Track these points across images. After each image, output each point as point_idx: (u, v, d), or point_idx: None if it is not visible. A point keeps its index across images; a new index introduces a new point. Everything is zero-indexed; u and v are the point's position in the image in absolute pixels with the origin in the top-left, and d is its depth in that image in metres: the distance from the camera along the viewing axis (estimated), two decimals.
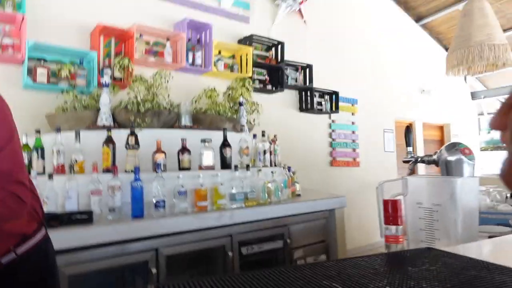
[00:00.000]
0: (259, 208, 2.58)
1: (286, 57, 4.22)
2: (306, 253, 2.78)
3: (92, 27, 3.02)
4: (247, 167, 2.75)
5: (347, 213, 4.14)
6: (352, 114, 5.23)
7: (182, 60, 3.36)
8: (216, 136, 2.79)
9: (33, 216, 1.16)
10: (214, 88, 3.29)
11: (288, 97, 4.46)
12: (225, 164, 2.77)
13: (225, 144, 2.81)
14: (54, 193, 2.00)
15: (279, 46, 4.22)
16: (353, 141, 5.18)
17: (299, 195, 3.17)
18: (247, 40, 3.97)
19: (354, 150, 5.17)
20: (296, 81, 4.45)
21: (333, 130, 4.92)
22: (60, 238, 1.58)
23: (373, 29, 5.65)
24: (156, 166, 2.36)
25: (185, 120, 2.97)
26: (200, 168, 2.64)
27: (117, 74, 3.00)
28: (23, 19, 2.60)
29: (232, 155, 2.81)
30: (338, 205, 3.07)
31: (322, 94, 4.76)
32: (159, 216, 2.16)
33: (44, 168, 2.23)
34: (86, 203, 2.07)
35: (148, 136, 2.54)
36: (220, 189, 2.50)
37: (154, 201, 2.20)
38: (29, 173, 2.07)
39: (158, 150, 2.50)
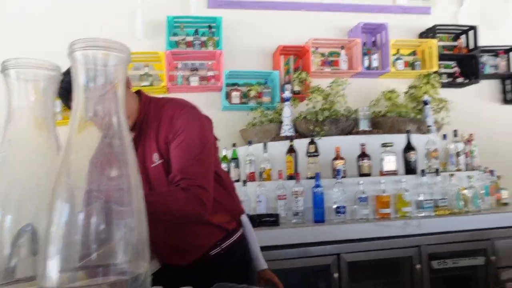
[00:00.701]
0: (453, 218, 2.29)
1: (480, 43, 3.62)
2: None
3: (274, 49, 3.36)
4: (437, 171, 2.49)
5: None
6: None
7: (357, 65, 3.33)
8: (399, 140, 2.63)
9: (234, 216, 1.37)
10: (394, 89, 3.13)
11: (486, 88, 3.79)
12: (409, 169, 2.58)
13: (408, 147, 2.62)
14: (248, 197, 2.31)
15: (471, 32, 3.65)
16: None
17: (506, 203, 2.64)
18: (430, 32, 3.60)
19: None
20: (496, 68, 3.74)
21: None
22: None
23: None
24: (336, 172, 2.42)
25: (364, 125, 2.92)
26: (382, 173, 2.55)
27: (296, 88, 3.23)
28: (220, 54, 3.13)
29: (418, 159, 2.59)
30: None
31: None
32: (339, 221, 2.19)
33: (239, 175, 2.61)
34: (273, 207, 2.30)
35: (327, 144, 2.62)
36: (404, 196, 2.35)
37: (335, 207, 2.25)
38: None
39: (337, 156, 2.55)
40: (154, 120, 1.21)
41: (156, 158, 1.20)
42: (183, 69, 3.20)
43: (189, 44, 3.16)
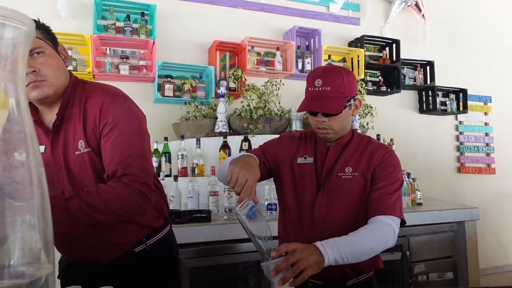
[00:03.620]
0: None
1: (402, 56, 3.93)
2: (428, 268, 2.50)
3: (209, 44, 3.29)
4: None
5: (480, 227, 3.61)
6: (485, 113, 4.57)
7: (292, 67, 3.41)
8: None
9: (161, 213, 1.29)
10: None
11: (406, 98, 4.13)
12: None
13: None
14: (178, 193, 2.22)
15: (394, 45, 3.95)
16: (487, 144, 4.51)
17: (420, 203, 2.89)
18: (358, 42, 3.82)
19: (488, 155, 4.50)
20: (414, 80, 4.09)
21: (460, 133, 4.37)
22: (183, 233, 1.73)
23: (506, 13, 4.85)
24: None
25: (296, 126, 2.99)
26: None
27: (232, 84, 3.20)
28: (153, 43, 2.97)
29: None
30: (469, 217, 2.69)
31: (447, 93, 4.27)
32: (271, 218, 2.19)
33: (170, 170, 2.50)
34: (205, 203, 2.24)
35: (260, 142, 2.57)
36: None
37: (266, 204, 2.26)
38: (159, 175, 2.34)
39: None
40: (80, 104, 1.11)
41: (81, 146, 1.09)
42: (112, 56, 2.99)
43: (119, 30, 2.97)
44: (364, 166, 1.27)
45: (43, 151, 1.11)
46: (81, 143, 1.09)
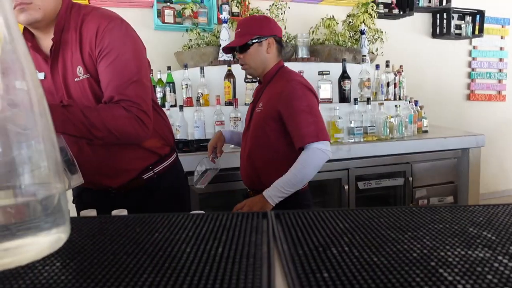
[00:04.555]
0: (379, 144, 2.44)
1: None
2: (429, 193, 2.58)
3: None
4: (368, 100, 2.59)
5: (485, 154, 3.65)
6: (502, 37, 4.36)
7: None
8: (335, 68, 2.66)
9: (166, 141, 1.31)
10: (333, 17, 3.09)
11: (419, 21, 3.92)
12: (344, 97, 2.65)
13: (344, 76, 2.66)
14: (185, 123, 2.23)
15: None
16: (500, 70, 4.37)
17: (426, 131, 2.89)
18: None
19: (500, 81, 4.38)
20: (429, 1, 3.85)
21: (473, 58, 4.21)
22: (191, 162, 1.77)
23: None
24: None
25: (302, 53, 2.89)
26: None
27: (235, 9, 3.04)
28: None
29: (352, 88, 2.66)
30: (474, 144, 2.70)
31: (463, 15, 4.04)
32: None
33: (175, 100, 2.48)
34: (211, 132, 2.26)
35: None
36: (337, 123, 2.43)
37: None
38: (164, 106, 2.34)
39: None
40: (76, 29, 1.07)
41: (80, 72, 1.07)
42: None
43: None
44: (273, 101, 1.44)
45: (43, 78, 1.10)
46: (79, 69, 1.07)
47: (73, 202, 1.34)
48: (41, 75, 1.10)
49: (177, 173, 1.37)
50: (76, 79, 1.08)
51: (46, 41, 1.09)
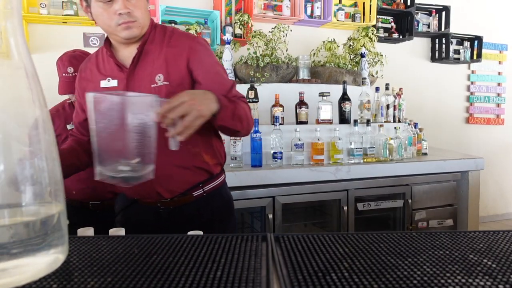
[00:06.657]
0: (379, 165, 2.45)
1: (417, 0, 3.74)
2: (429, 215, 2.57)
3: None
4: (368, 122, 2.61)
5: (484, 177, 3.65)
6: (500, 62, 4.42)
7: (300, 12, 3.27)
8: (335, 90, 2.69)
9: (219, 160, 1.28)
10: (334, 40, 3.14)
11: (418, 45, 3.99)
12: (344, 118, 2.67)
13: (344, 97, 2.69)
14: None
15: None
16: (499, 94, 4.41)
17: (425, 153, 2.90)
18: None
19: (498, 105, 4.42)
20: (428, 27, 3.93)
21: (472, 82, 4.26)
22: None
23: None
24: (274, 119, 2.42)
25: (303, 74, 2.93)
26: (318, 122, 2.61)
27: (238, 30, 3.10)
28: None
29: (352, 109, 2.69)
30: (473, 167, 2.71)
31: (461, 40, 4.12)
32: (276, 166, 2.23)
33: None
34: None
35: (267, 90, 2.59)
36: (337, 144, 2.45)
37: (272, 152, 2.28)
38: None
39: (277, 103, 2.54)
40: (162, 42, 1.17)
41: (159, 79, 1.14)
42: None
43: None
44: None
45: (116, 85, 1.17)
46: (159, 76, 1.14)
47: (116, 216, 1.30)
48: (114, 82, 1.17)
49: (225, 193, 1.33)
50: (153, 85, 1.13)
51: (125, 52, 1.18)
